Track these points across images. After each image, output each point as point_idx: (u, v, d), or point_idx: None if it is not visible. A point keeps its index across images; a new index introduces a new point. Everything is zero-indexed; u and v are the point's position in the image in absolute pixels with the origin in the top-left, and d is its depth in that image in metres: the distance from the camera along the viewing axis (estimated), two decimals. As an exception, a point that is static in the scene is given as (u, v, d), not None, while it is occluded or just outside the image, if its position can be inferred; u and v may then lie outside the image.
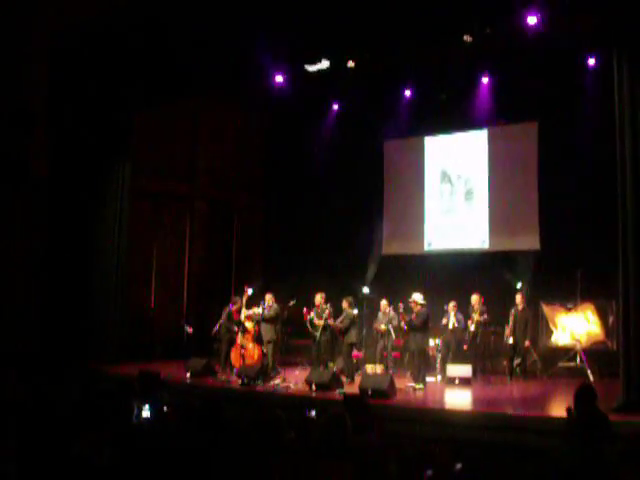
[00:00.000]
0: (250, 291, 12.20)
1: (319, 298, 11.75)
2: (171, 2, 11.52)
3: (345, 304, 11.55)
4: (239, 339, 11.89)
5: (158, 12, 11.60)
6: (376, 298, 12.68)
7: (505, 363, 11.90)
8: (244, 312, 11.94)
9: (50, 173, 13.06)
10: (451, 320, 11.58)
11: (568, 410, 5.65)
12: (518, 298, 11.69)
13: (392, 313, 11.79)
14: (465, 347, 11.70)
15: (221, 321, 12.11)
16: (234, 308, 12.13)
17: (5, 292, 12.36)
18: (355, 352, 12.64)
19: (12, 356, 10.68)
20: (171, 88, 12.56)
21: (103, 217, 13.39)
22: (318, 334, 11.53)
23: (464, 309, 11.98)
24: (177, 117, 15.47)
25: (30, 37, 12.71)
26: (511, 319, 11.54)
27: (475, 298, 11.76)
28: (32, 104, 12.85)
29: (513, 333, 11.45)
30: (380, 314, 12.09)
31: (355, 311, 11.60)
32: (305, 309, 11.69)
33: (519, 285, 12.40)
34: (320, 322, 11.50)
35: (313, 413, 6.75)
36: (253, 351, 11.88)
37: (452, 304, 11.78)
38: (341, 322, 11.48)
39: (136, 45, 11.92)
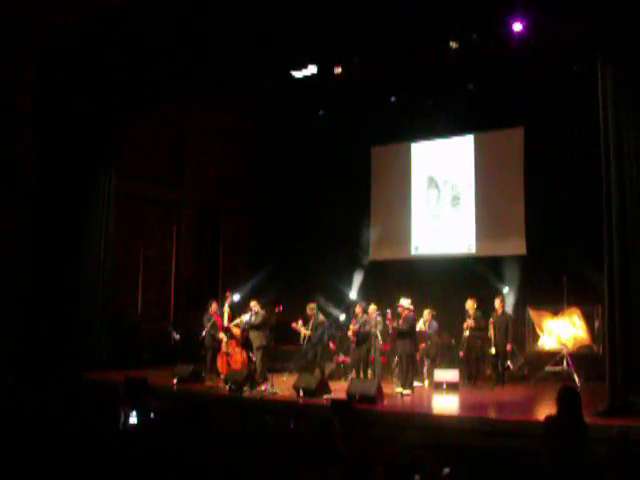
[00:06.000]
0: (235, 297, 12.19)
1: (309, 309, 11.98)
2: (159, 6, 11.51)
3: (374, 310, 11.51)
4: (224, 346, 11.85)
5: (146, 16, 11.60)
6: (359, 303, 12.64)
7: (488, 371, 11.92)
8: (226, 319, 11.93)
9: (36, 176, 12.96)
10: (419, 325, 11.53)
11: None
12: (497, 303, 11.69)
13: (364, 316, 11.64)
14: (461, 354, 11.71)
15: (207, 327, 12.06)
16: (217, 314, 12.08)
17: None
18: (342, 357, 12.65)
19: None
20: (158, 92, 12.55)
21: (90, 221, 13.28)
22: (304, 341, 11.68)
23: (453, 314, 12.00)
24: (165, 122, 15.45)
25: (17, 39, 12.65)
26: (491, 324, 11.55)
27: (470, 304, 11.75)
28: (19, 106, 12.78)
29: (494, 338, 11.47)
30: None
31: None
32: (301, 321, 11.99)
33: (505, 290, 12.46)
34: (307, 331, 11.75)
35: (292, 426, 6.74)
36: (239, 357, 11.85)
37: (427, 311, 11.79)
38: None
39: (125, 48, 11.90)
